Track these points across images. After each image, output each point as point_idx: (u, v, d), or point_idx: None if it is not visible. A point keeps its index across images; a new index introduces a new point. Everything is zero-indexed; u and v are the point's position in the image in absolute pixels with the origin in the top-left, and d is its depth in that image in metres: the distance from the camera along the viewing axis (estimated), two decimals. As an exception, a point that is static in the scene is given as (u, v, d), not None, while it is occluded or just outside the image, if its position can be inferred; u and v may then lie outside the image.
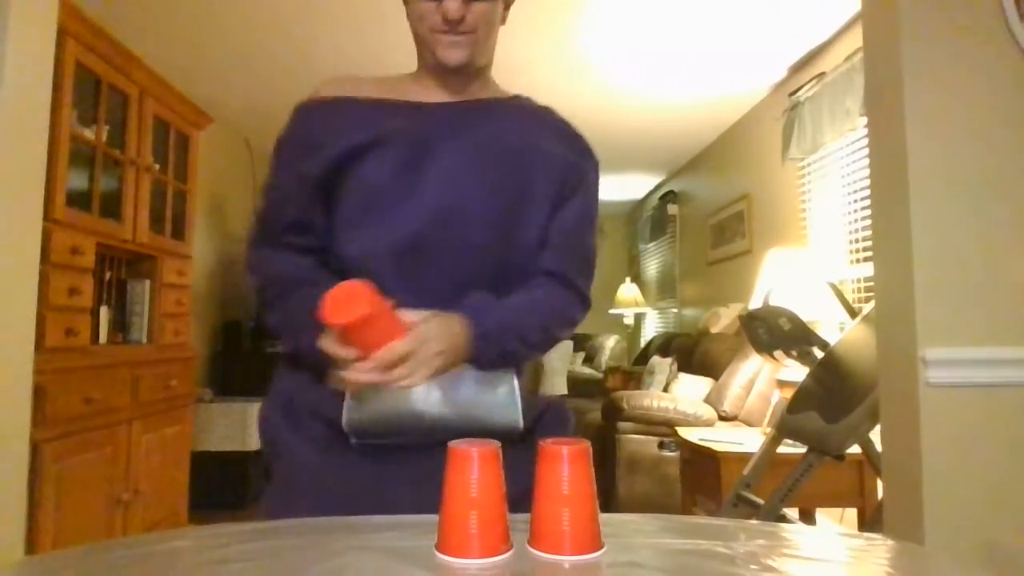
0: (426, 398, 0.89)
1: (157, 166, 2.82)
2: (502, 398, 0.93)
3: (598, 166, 1.06)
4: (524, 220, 0.96)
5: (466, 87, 1.00)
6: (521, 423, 0.94)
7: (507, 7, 0.98)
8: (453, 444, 0.67)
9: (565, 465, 0.67)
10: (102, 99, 2.44)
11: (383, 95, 1.00)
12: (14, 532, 1.85)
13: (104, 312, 2.53)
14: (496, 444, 0.68)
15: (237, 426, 3.78)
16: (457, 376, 0.90)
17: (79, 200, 2.31)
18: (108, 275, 2.64)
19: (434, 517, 0.68)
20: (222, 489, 3.70)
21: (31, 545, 1.94)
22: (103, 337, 2.51)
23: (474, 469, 0.66)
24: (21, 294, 1.86)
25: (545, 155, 0.98)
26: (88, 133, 2.36)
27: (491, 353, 0.90)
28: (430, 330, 0.83)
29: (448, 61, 0.93)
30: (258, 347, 4.48)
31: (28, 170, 1.89)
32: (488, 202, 0.94)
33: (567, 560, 0.66)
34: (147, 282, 2.80)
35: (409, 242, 0.92)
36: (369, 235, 0.93)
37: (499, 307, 0.93)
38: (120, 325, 2.71)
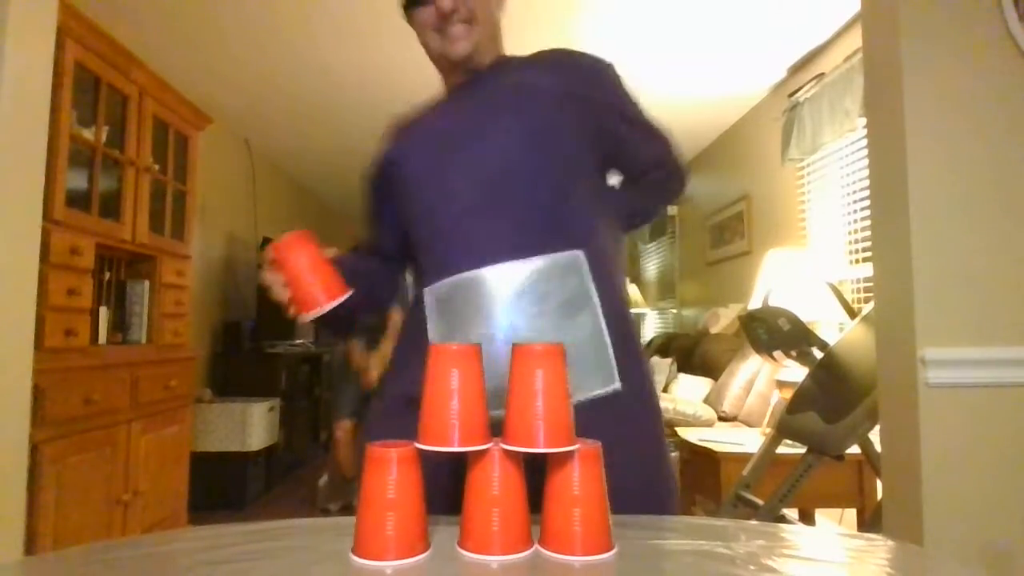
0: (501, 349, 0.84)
1: (156, 166, 2.82)
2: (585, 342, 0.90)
3: (607, 66, 1.04)
4: (556, 150, 0.96)
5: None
6: (617, 380, 0.89)
7: None
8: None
9: (576, 466, 0.68)
10: (101, 99, 2.44)
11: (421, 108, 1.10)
12: (13, 532, 1.85)
13: (103, 312, 2.53)
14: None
15: (236, 426, 3.79)
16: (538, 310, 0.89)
17: (78, 200, 2.31)
18: (107, 275, 2.64)
19: (444, 517, 0.69)
20: (221, 490, 3.71)
21: (30, 545, 1.94)
22: (102, 337, 2.51)
23: (496, 469, 0.67)
24: (21, 294, 1.86)
25: (547, 87, 0.98)
26: (87, 133, 2.36)
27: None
28: None
29: (455, 53, 0.97)
30: (258, 347, 4.48)
31: (27, 170, 1.89)
32: (511, 143, 0.96)
33: (578, 561, 0.66)
34: (146, 282, 2.80)
35: (457, 217, 0.95)
36: (425, 226, 0.99)
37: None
38: (119, 325, 2.71)
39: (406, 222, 1.02)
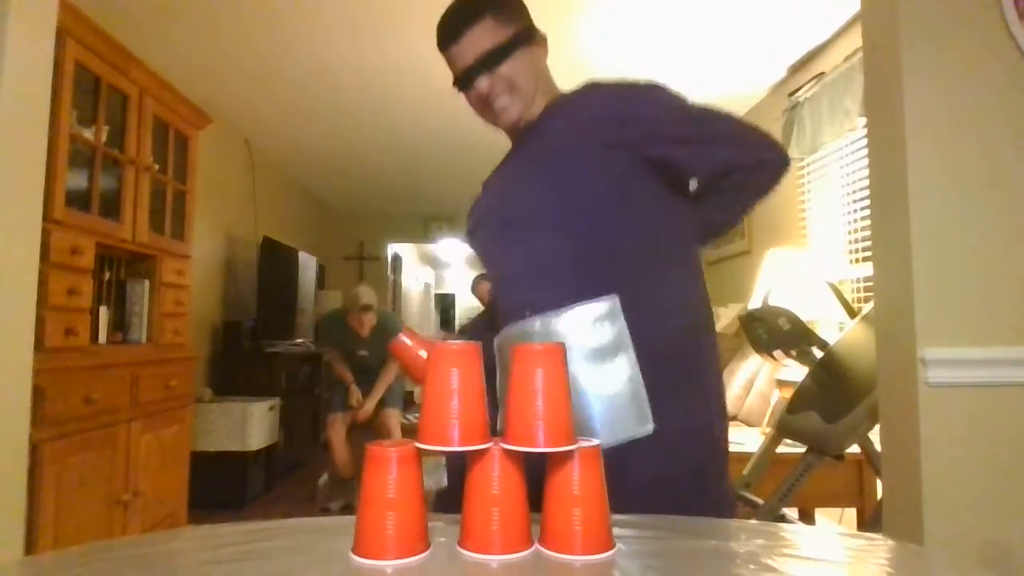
0: None
1: (156, 166, 2.82)
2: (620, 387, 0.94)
3: (644, 93, 1.06)
4: (580, 209, 0.99)
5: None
6: (651, 422, 0.92)
7: (538, 43, 1.08)
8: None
9: (576, 466, 0.68)
10: (101, 99, 2.43)
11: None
12: (14, 532, 1.85)
13: (103, 312, 2.53)
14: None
15: (237, 426, 3.79)
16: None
17: (78, 200, 2.30)
18: (107, 275, 2.64)
19: (454, 517, 0.69)
20: (221, 489, 3.71)
21: (30, 545, 1.93)
22: (102, 337, 2.51)
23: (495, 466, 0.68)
24: (21, 294, 1.86)
25: (577, 148, 1.01)
26: (87, 133, 2.36)
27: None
28: None
29: (503, 125, 1.07)
30: (258, 347, 4.48)
31: (28, 170, 1.88)
32: (536, 200, 1.01)
33: (578, 560, 0.66)
34: (146, 282, 2.80)
35: (500, 281, 1.10)
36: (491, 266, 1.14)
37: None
38: (119, 325, 2.70)
39: None
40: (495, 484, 0.67)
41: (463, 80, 1.03)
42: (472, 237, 1.15)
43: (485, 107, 1.04)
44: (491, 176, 1.16)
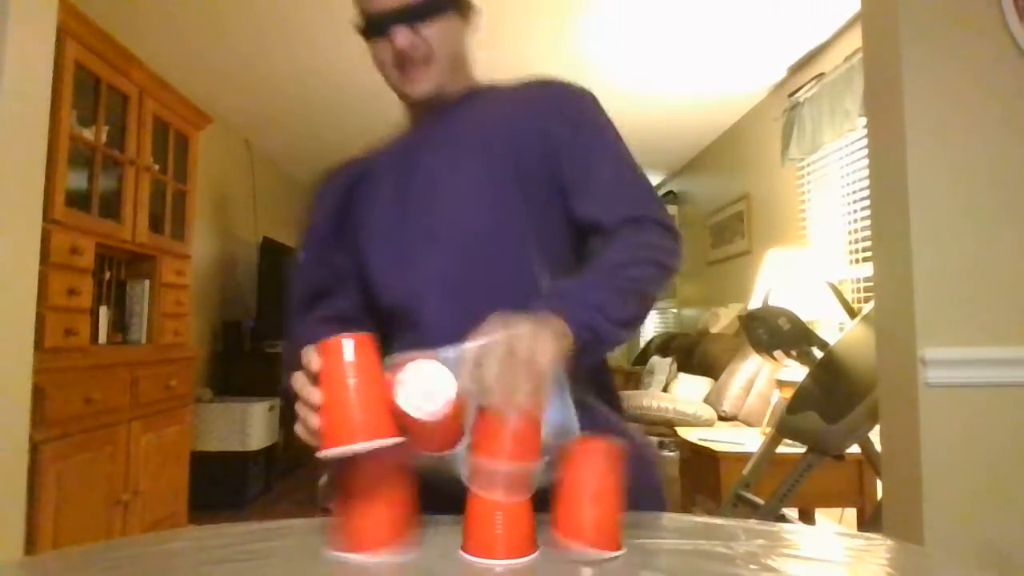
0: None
1: (156, 166, 2.82)
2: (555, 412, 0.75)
3: (590, 100, 0.92)
4: (528, 200, 0.86)
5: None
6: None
7: (467, 18, 0.91)
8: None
9: (591, 464, 0.68)
10: (102, 99, 2.44)
11: (378, 145, 0.99)
12: (14, 532, 1.85)
13: (103, 312, 2.53)
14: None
15: (236, 426, 3.78)
16: None
17: (78, 200, 2.30)
18: (107, 275, 2.64)
19: (447, 517, 0.69)
20: (222, 489, 3.71)
21: (31, 545, 1.94)
22: (102, 337, 2.51)
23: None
24: (20, 294, 1.86)
25: (528, 128, 0.88)
26: (88, 133, 2.36)
27: (595, 329, 0.73)
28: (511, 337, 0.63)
29: (416, 94, 0.89)
30: (258, 347, 4.48)
31: (28, 170, 1.88)
32: (491, 191, 0.86)
33: (587, 557, 0.66)
34: (146, 282, 2.80)
35: (433, 262, 0.85)
36: (392, 272, 0.89)
37: (578, 277, 0.78)
38: (119, 325, 2.71)
39: (364, 279, 0.92)
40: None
41: (376, 26, 0.86)
42: (359, 220, 0.92)
43: (396, 65, 0.87)
44: (382, 161, 0.95)
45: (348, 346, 0.64)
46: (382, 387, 0.64)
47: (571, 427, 0.76)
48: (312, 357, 0.65)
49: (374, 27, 0.86)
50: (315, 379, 0.65)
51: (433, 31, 0.86)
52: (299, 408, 0.67)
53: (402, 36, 0.84)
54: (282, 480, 4.38)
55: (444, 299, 0.84)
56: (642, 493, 0.80)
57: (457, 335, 0.67)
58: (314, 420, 0.64)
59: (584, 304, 0.73)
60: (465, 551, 0.66)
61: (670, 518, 0.82)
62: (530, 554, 0.66)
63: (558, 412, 0.76)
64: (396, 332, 0.88)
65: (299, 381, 0.66)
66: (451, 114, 0.92)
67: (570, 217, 0.87)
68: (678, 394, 3.78)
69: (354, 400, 0.63)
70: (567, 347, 0.68)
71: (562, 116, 0.89)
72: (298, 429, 0.67)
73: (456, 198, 0.87)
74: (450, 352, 0.66)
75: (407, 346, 0.78)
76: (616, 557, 0.66)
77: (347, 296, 0.92)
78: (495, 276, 0.85)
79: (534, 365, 0.62)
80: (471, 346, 0.64)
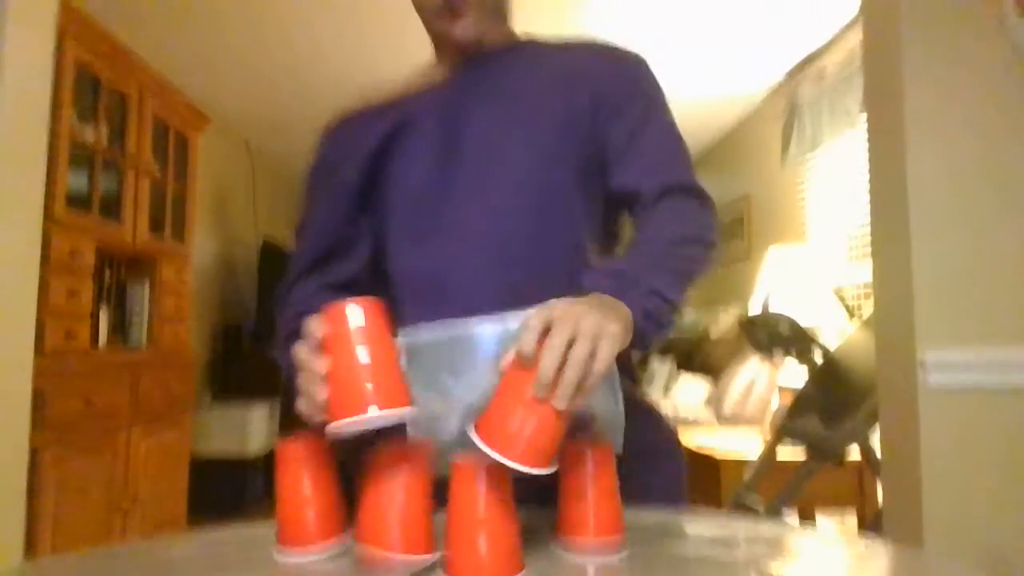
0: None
1: (157, 167, 2.82)
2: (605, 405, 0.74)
3: (646, 67, 0.90)
4: (589, 159, 0.84)
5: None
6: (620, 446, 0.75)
7: None
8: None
9: (590, 465, 0.68)
10: (102, 99, 2.43)
11: (403, 90, 0.91)
12: (13, 537, 1.84)
13: (104, 315, 2.53)
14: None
15: (236, 430, 3.78)
16: None
17: (79, 201, 2.30)
18: (108, 277, 2.64)
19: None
20: (221, 494, 3.70)
21: (30, 550, 1.93)
22: (102, 340, 2.50)
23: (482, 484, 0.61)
24: (21, 296, 1.86)
25: (581, 87, 0.86)
26: (88, 134, 2.36)
27: (656, 318, 0.69)
28: (565, 314, 0.57)
29: (460, 39, 0.85)
30: (258, 350, 4.47)
31: (28, 171, 1.88)
32: (546, 152, 0.82)
33: (590, 560, 0.66)
34: (146, 284, 2.80)
35: (477, 223, 0.80)
36: (425, 234, 0.82)
37: (632, 257, 0.75)
38: (119, 328, 2.70)
39: (381, 241, 0.86)
40: (480, 507, 0.59)
41: None
42: (394, 166, 0.85)
43: (443, 8, 0.83)
44: (417, 108, 0.88)
45: (356, 311, 0.60)
46: (395, 356, 0.60)
47: (618, 420, 0.75)
48: (316, 325, 0.61)
49: None
50: (319, 349, 0.61)
51: None
52: (302, 380, 0.62)
53: None
54: (282, 482, 4.37)
55: (482, 265, 0.78)
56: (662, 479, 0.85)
57: (489, 305, 0.66)
58: (321, 391, 0.60)
59: (646, 289, 0.69)
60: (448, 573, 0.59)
61: (671, 523, 0.82)
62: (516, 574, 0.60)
63: (607, 403, 0.75)
64: (412, 300, 0.82)
65: (302, 351, 0.62)
66: (495, 65, 0.88)
67: (606, 185, 0.84)
68: (678, 396, 3.78)
69: (368, 367, 0.59)
70: (626, 337, 0.62)
71: (617, 79, 0.87)
72: (300, 405, 0.63)
73: (504, 159, 0.82)
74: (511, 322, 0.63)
75: (427, 315, 0.76)
76: (619, 556, 0.66)
77: (356, 258, 0.86)
78: (542, 243, 0.80)
79: (593, 364, 0.56)
80: (534, 318, 0.57)
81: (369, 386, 0.59)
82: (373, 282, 0.85)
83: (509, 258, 0.78)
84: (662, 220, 0.78)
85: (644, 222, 0.80)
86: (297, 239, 0.89)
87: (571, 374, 0.55)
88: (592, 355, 0.56)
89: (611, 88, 0.85)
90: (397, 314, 0.76)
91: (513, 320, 0.71)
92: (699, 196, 0.82)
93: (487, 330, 0.72)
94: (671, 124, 0.87)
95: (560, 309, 0.57)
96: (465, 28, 0.83)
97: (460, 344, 0.74)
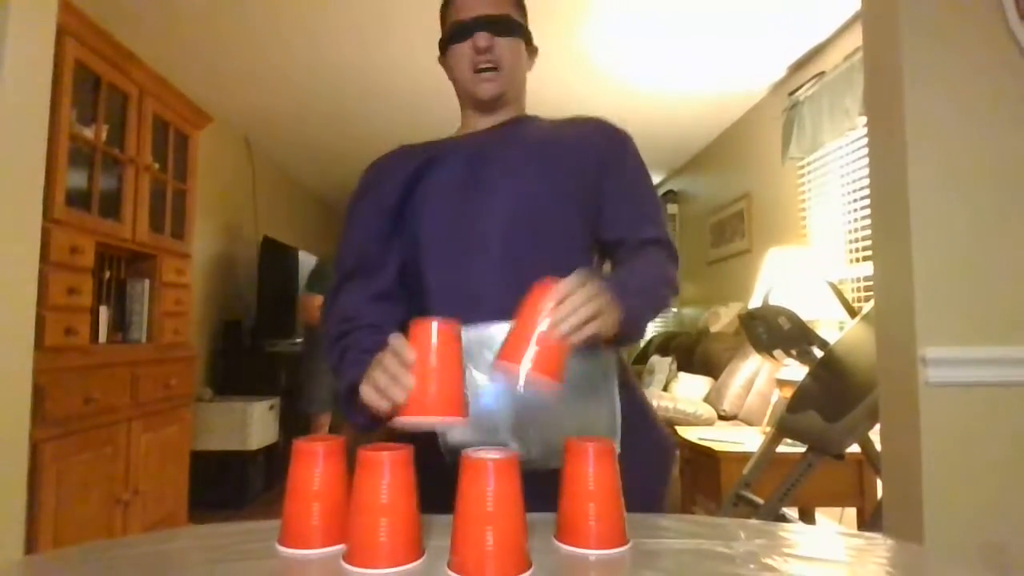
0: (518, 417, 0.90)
1: (156, 165, 2.82)
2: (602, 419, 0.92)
3: (631, 138, 1.10)
4: (589, 204, 1.02)
5: (506, 117, 1.09)
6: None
7: (531, 54, 1.10)
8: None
9: (591, 462, 0.69)
10: (102, 98, 2.43)
11: (434, 141, 1.11)
12: (14, 532, 1.85)
13: (103, 311, 2.53)
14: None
15: (237, 425, 3.78)
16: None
17: (79, 199, 2.30)
18: (107, 274, 2.64)
19: (448, 517, 0.69)
20: (222, 489, 3.71)
21: (31, 545, 1.94)
22: (102, 336, 2.50)
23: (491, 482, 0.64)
24: (21, 294, 1.86)
25: (585, 145, 1.05)
26: (88, 132, 2.36)
27: (636, 322, 0.87)
28: (581, 285, 0.76)
29: (484, 95, 1.03)
30: (258, 346, 4.48)
31: (28, 169, 1.88)
32: (557, 189, 1.00)
33: (592, 554, 0.67)
34: (146, 281, 2.80)
35: (499, 242, 0.96)
36: (457, 251, 0.98)
37: (625, 276, 0.95)
38: (120, 324, 2.70)
39: (410, 262, 1.02)
40: (489, 502, 0.63)
41: (462, 31, 1.02)
42: (422, 198, 1.01)
43: (472, 65, 1.02)
44: (444, 151, 1.06)
45: (438, 330, 0.72)
46: (462, 371, 0.73)
47: (615, 425, 0.91)
48: (401, 342, 0.73)
49: (460, 31, 1.02)
50: (405, 358, 0.72)
51: (505, 44, 1.02)
52: (381, 379, 0.73)
53: (483, 38, 1.00)
54: (282, 479, 4.36)
55: (501, 281, 0.94)
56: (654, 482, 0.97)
57: (505, 312, 0.79)
58: (400, 394, 0.71)
59: (634, 298, 0.86)
60: (452, 571, 0.63)
61: (670, 518, 0.83)
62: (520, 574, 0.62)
63: (606, 406, 0.92)
64: (441, 308, 0.94)
65: (398, 340, 0.73)
66: (512, 124, 1.07)
67: (595, 231, 1.03)
68: (678, 393, 3.78)
69: (439, 378, 0.71)
70: (615, 326, 0.79)
71: (612, 142, 1.07)
72: (367, 392, 0.75)
73: (522, 192, 0.99)
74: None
75: (455, 315, 0.86)
76: (623, 551, 0.67)
77: (388, 273, 1.02)
78: (550, 264, 0.91)
79: (590, 322, 0.74)
80: (576, 276, 0.76)
81: (437, 394, 0.71)
82: (403, 289, 1.03)
83: (522, 275, 0.89)
84: (645, 263, 0.98)
85: (628, 261, 1.00)
86: (339, 250, 1.06)
87: (576, 318, 0.73)
88: (593, 317, 0.74)
89: (609, 156, 1.05)
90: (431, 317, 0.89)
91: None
92: (669, 250, 1.03)
93: (501, 330, 0.85)
94: (653, 188, 1.09)
95: (593, 282, 0.76)
96: (487, 86, 1.03)
97: (480, 341, 0.90)
